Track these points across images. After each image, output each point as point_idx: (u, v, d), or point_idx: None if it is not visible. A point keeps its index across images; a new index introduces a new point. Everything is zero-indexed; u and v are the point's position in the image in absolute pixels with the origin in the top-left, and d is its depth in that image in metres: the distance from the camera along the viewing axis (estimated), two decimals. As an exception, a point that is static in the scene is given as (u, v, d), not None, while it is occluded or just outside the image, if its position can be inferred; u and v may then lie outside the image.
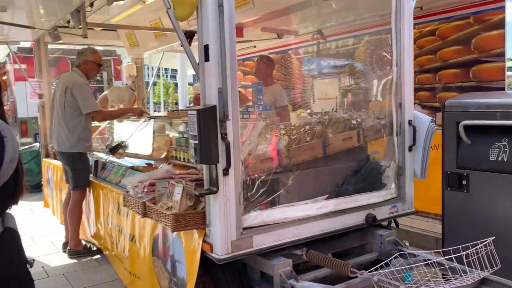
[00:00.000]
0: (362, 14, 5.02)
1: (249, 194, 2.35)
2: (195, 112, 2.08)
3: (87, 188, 4.14)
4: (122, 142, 4.35)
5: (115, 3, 4.36)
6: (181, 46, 2.26)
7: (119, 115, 4.48)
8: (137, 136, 4.47)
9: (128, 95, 5.32)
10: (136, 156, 4.26)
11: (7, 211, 1.63)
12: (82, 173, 4.03)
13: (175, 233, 2.51)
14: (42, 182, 6.31)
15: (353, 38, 5.37)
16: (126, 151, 4.40)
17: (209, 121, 2.09)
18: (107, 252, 3.91)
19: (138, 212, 2.61)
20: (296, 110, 5.80)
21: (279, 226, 2.41)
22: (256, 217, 2.35)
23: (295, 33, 5.59)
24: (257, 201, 2.38)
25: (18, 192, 1.63)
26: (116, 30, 6.56)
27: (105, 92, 5.73)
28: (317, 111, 4.98)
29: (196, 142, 2.09)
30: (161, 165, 2.86)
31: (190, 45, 4.94)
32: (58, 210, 5.37)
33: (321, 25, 5.37)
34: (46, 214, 5.82)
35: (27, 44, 9.00)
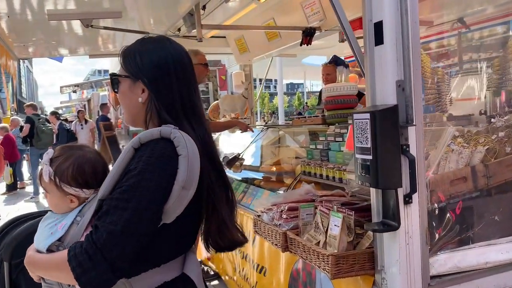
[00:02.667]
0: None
1: (434, 229, 1.69)
2: (367, 116, 1.49)
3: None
4: (239, 154, 3.93)
5: (231, 2, 4.02)
6: (341, 27, 1.70)
7: (223, 128, 4.04)
8: (255, 148, 4.03)
9: (241, 103, 4.94)
10: (255, 169, 3.81)
11: (192, 255, 1.31)
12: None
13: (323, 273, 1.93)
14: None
15: (506, 24, 4.40)
16: (243, 164, 3.98)
17: (388, 127, 1.48)
18: (226, 278, 3.48)
19: (276, 244, 2.08)
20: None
21: (477, 273, 1.71)
22: (446, 261, 1.68)
23: (429, 24, 4.77)
24: (445, 238, 1.71)
25: (213, 235, 1.31)
26: (224, 37, 6.32)
27: (217, 101, 5.43)
28: (457, 114, 4.06)
29: (369, 157, 1.49)
30: (302, 186, 2.32)
31: (310, 43, 4.43)
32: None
33: (462, 12, 4.49)
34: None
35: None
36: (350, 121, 2.75)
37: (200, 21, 3.85)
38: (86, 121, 11.30)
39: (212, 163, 1.23)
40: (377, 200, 1.62)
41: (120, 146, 10.06)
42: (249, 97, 5.31)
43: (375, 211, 1.64)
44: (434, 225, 1.69)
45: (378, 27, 1.56)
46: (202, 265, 3.91)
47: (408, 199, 1.55)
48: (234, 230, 1.35)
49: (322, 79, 4.91)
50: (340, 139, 2.63)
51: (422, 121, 1.58)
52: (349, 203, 2.16)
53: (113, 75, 1.27)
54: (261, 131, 4.03)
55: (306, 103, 32.11)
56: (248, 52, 5.92)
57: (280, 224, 2.09)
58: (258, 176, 3.73)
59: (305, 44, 4.21)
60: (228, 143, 4.66)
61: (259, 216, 2.35)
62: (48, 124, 9.67)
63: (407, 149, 1.52)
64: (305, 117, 3.27)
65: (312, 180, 2.70)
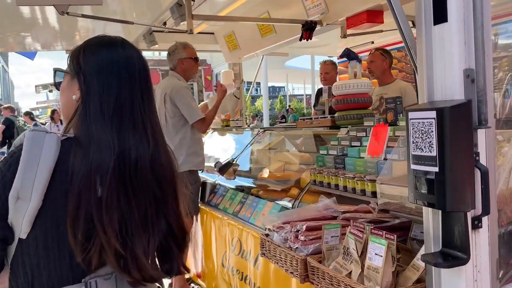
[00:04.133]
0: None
1: (501, 257, 1.34)
2: (431, 114, 1.13)
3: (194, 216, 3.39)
4: (233, 160, 3.55)
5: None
6: (390, 8, 1.34)
7: (215, 114, 3.61)
8: (250, 152, 3.66)
9: (232, 104, 4.57)
10: (251, 176, 3.44)
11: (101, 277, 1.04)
12: (191, 197, 3.28)
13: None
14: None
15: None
16: (237, 170, 3.60)
17: (461, 130, 1.12)
18: (219, 299, 3.09)
19: (292, 272, 1.70)
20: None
21: (551, 313, 1.37)
22: (516, 298, 1.33)
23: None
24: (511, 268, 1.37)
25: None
26: (212, 33, 5.93)
27: (205, 101, 5.05)
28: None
29: (434, 169, 1.13)
30: (321, 199, 1.95)
31: (310, 38, 4.08)
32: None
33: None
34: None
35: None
36: (366, 123, 2.41)
37: (191, 11, 3.46)
38: (61, 122, 10.66)
39: (126, 185, 1.02)
40: (435, 224, 1.26)
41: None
42: (241, 97, 4.94)
43: (431, 237, 1.28)
44: (501, 253, 1.34)
45: (439, 0, 1.21)
46: (192, 283, 3.51)
47: (477, 223, 1.20)
48: (148, 265, 1.06)
49: (320, 78, 4.59)
50: (358, 143, 2.28)
51: (494, 122, 1.23)
52: (378, 220, 1.82)
53: (55, 70, 1.20)
54: (257, 134, 3.65)
55: (289, 105, 31.89)
56: (238, 49, 5.53)
57: (297, 247, 1.71)
58: (254, 183, 3.36)
59: (305, 39, 3.85)
60: (221, 147, 4.28)
61: (267, 235, 1.97)
62: (28, 125, 9.30)
63: (477, 158, 1.18)
64: (310, 118, 2.91)
65: (324, 191, 2.33)
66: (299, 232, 1.75)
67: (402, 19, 1.33)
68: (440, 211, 1.23)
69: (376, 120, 2.36)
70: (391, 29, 4.51)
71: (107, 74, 1.09)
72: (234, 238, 2.71)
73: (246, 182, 3.39)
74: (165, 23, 5.01)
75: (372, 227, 1.59)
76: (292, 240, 1.76)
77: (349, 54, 2.66)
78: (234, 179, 3.57)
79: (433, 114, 1.12)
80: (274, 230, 1.91)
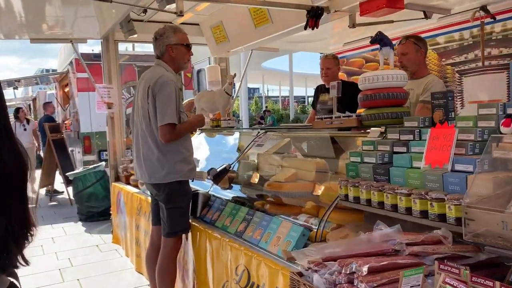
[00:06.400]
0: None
1: None
2: None
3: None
4: (230, 166, 3.03)
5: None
6: None
7: (188, 131, 2.87)
8: (249, 157, 3.14)
9: (223, 101, 4.01)
10: (252, 186, 2.91)
11: None
12: (181, 212, 2.72)
13: None
14: (111, 211, 5.16)
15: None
16: (234, 179, 3.08)
17: None
18: None
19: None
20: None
21: None
22: None
23: (446, 12, 4.08)
24: None
25: None
26: (197, 24, 5.39)
27: (191, 98, 4.49)
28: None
29: None
30: (378, 226, 1.44)
31: (316, 27, 3.59)
32: (133, 251, 4.15)
33: (487, -1, 3.84)
34: (117, 255, 4.61)
35: (89, 50, 8.13)
36: (408, 123, 1.94)
37: (180, -10, 2.90)
38: (28, 121, 9.75)
39: None
40: None
41: (69, 151, 8.79)
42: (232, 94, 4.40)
43: None
44: None
45: None
46: (181, 314, 2.95)
47: None
48: None
49: (321, 74, 4.10)
50: (404, 149, 1.80)
51: None
52: (457, 256, 1.33)
53: None
54: (257, 135, 3.13)
55: (266, 107, 31.50)
56: (227, 42, 5.01)
57: (355, 300, 1.21)
58: (258, 195, 2.82)
59: (311, 28, 3.37)
60: (211, 150, 3.74)
61: (300, 274, 1.46)
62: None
63: None
64: (330, 117, 2.41)
65: (361, 208, 1.85)
66: (356, 275, 1.25)
67: None
68: None
69: (421, 119, 1.89)
70: (401, 20, 4.10)
71: None
72: (240, 266, 2.18)
73: (247, 193, 2.87)
74: (145, 11, 4.46)
75: (468, 270, 1.11)
76: (344, 287, 1.26)
77: (382, 39, 2.19)
78: (230, 188, 3.05)
79: None
80: (312, 269, 1.40)
